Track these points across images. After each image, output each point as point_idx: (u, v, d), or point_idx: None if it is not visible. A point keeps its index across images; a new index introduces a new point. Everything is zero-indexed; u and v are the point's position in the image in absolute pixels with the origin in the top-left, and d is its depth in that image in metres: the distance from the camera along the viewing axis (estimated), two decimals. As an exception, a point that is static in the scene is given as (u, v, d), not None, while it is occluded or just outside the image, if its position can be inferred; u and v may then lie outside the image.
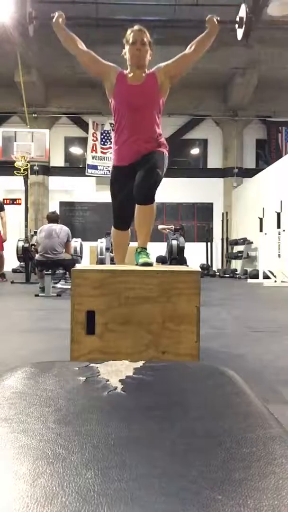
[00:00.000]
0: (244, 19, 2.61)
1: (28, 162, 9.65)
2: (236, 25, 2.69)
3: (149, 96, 2.44)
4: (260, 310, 4.47)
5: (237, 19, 2.67)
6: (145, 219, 2.45)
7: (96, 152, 12.46)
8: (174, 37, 10.80)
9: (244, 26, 2.61)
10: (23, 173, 9.57)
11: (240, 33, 2.69)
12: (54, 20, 2.53)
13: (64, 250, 5.70)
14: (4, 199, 12.88)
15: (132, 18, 9.47)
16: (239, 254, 11.04)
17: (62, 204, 13.18)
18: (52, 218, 6.01)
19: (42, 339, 2.77)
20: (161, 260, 9.01)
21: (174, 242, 8.65)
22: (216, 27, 2.50)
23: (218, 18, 2.50)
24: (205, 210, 13.34)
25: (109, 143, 12.28)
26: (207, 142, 13.59)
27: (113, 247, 2.91)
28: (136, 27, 2.46)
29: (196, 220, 13.32)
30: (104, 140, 12.47)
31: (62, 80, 11.89)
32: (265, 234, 8.80)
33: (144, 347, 1.65)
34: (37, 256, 5.72)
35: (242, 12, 2.66)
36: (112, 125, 12.92)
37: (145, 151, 2.44)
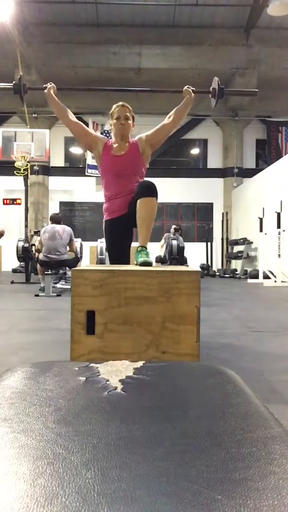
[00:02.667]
0: (217, 91, 2.95)
1: (28, 162, 9.65)
2: (210, 95, 3.03)
3: (132, 164, 2.72)
4: (260, 310, 4.47)
5: (211, 89, 3.01)
6: (147, 215, 2.49)
7: (96, 152, 12.47)
8: (174, 37, 10.81)
9: (216, 96, 2.97)
10: (23, 173, 9.57)
11: (213, 102, 3.04)
12: (46, 91, 2.82)
13: (67, 251, 5.85)
14: (4, 199, 12.91)
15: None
16: (239, 254, 11.04)
17: (62, 204, 13.18)
18: (55, 219, 6.15)
19: (42, 339, 2.77)
20: (160, 260, 9.01)
21: (174, 242, 8.65)
22: (191, 98, 2.84)
23: (194, 89, 2.85)
24: (205, 210, 13.35)
25: (109, 143, 12.29)
26: (207, 142, 13.59)
27: None
28: (120, 103, 2.78)
29: (196, 220, 13.32)
30: (104, 140, 12.47)
31: (62, 80, 11.88)
32: (265, 234, 8.80)
33: (144, 347, 1.65)
34: (40, 256, 5.79)
35: (215, 83, 2.99)
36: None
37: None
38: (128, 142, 2.76)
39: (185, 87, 2.85)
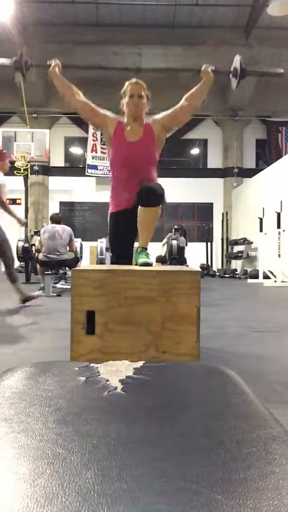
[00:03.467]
0: (239, 70, 2.68)
1: (28, 162, 9.66)
2: (231, 75, 2.76)
3: (146, 153, 2.48)
4: (260, 310, 4.47)
5: (232, 69, 2.76)
6: (149, 220, 2.40)
7: (96, 152, 12.47)
8: (174, 37, 10.81)
9: (238, 76, 2.68)
10: (23, 173, 9.58)
11: (234, 82, 2.77)
12: (50, 68, 2.55)
13: (67, 251, 5.86)
14: (4, 199, 12.90)
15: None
16: (239, 254, 11.05)
17: (62, 204, 13.17)
18: (56, 219, 6.16)
19: (42, 339, 2.77)
20: (160, 260, 9.01)
21: (174, 242, 8.65)
22: (211, 78, 2.55)
23: (213, 68, 2.55)
24: (205, 210, 13.35)
25: (109, 143, 12.30)
26: (207, 142, 13.59)
27: None
28: (133, 80, 2.50)
29: (196, 220, 13.32)
30: (104, 140, 12.48)
31: (62, 80, 11.89)
32: (265, 234, 8.80)
33: (144, 347, 1.65)
34: (40, 256, 5.80)
35: (236, 63, 2.73)
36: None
37: None
38: (142, 126, 2.50)
39: (204, 66, 2.58)
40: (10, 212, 4.33)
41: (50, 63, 2.58)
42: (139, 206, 2.36)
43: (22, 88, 10.26)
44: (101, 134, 12.49)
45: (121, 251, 2.57)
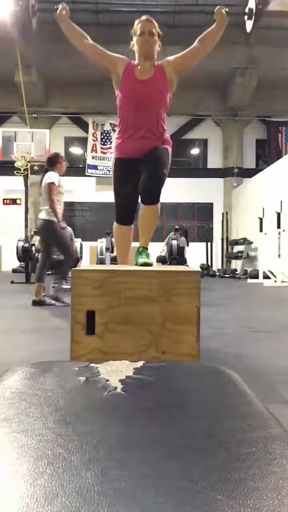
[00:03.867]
0: (254, 10, 2.53)
1: (28, 162, 9.65)
2: (246, 17, 2.62)
3: (157, 93, 2.38)
4: (260, 310, 4.47)
5: (246, 10, 2.61)
6: (149, 219, 2.42)
7: (96, 152, 12.47)
8: (174, 37, 10.81)
9: (253, 17, 2.54)
10: (23, 173, 9.58)
11: (249, 25, 2.61)
12: (57, 12, 2.42)
13: None
14: (4, 199, 12.92)
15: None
16: (239, 254, 11.05)
17: (62, 204, 13.17)
18: None
19: (42, 339, 2.77)
20: (161, 260, 9.00)
21: (174, 242, 8.65)
22: (225, 19, 2.44)
23: (227, 10, 2.44)
24: (205, 210, 13.35)
25: (109, 143, 12.29)
26: (207, 142, 13.59)
27: (115, 244, 2.85)
28: (144, 17, 2.39)
29: (196, 220, 13.32)
30: (104, 140, 12.47)
31: (62, 80, 11.89)
32: (265, 234, 8.80)
33: (144, 347, 1.65)
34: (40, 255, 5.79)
35: (252, 3, 2.60)
36: (112, 125, 12.91)
37: (149, 147, 2.39)
38: (153, 65, 2.39)
39: (217, 8, 2.47)
40: (54, 211, 4.35)
41: (57, 7, 2.46)
42: (141, 206, 2.38)
43: (22, 88, 10.26)
44: (95, 133, 12.52)
45: (125, 203, 2.49)
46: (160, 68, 2.39)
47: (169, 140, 2.53)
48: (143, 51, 2.36)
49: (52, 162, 4.54)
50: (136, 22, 2.40)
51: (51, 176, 4.39)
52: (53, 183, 4.37)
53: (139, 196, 2.42)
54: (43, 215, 4.39)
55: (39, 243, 6.52)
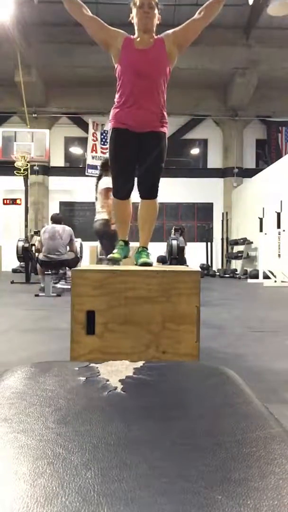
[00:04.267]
0: None
1: (28, 162, 9.65)
2: None
3: (157, 62, 2.36)
4: (260, 310, 4.47)
5: None
6: (148, 215, 2.43)
7: (96, 152, 12.47)
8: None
9: None
10: (23, 173, 9.58)
11: None
12: None
13: (67, 251, 5.86)
14: (4, 199, 12.91)
15: None
16: (239, 254, 11.04)
17: (62, 204, 13.17)
18: (56, 219, 6.18)
19: (42, 339, 2.77)
20: (161, 260, 9.01)
21: (174, 242, 8.65)
22: None
23: None
24: (205, 210, 13.35)
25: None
26: (207, 142, 13.59)
27: (115, 220, 2.81)
28: None
29: (196, 220, 13.32)
30: (104, 140, 12.47)
31: (62, 80, 11.89)
32: (265, 234, 8.80)
33: (144, 347, 1.65)
34: (40, 256, 5.80)
35: None
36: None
37: (148, 123, 2.37)
38: (152, 37, 2.38)
39: None
40: (110, 214, 4.45)
41: None
42: (140, 201, 2.41)
43: (22, 88, 10.27)
44: (95, 133, 12.51)
45: (124, 173, 2.45)
46: (160, 40, 2.37)
47: (166, 119, 2.50)
48: (142, 24, 2.34)
49: (107, 167, 4.67)
50: None
51: (109, 182, 4.53)
52: (111, 188, 4.55)
53: (136, 181, 2.41)
54: (104, 216, 4.51)
55: (38, 243, 6.52)
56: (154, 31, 2.39)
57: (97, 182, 4.68)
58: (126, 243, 2.60)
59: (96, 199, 4.66)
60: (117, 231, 2.76)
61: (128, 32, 2.44)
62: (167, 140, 2.49)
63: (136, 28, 2.39)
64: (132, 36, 2.40)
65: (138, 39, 2.37)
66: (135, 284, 1.67)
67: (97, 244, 9.08)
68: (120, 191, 2.51)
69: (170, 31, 2.40)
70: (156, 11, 2.36)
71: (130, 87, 2.35)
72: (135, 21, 2.38)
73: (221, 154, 13.28)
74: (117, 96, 2.43)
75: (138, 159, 2.40)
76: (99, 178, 4.67)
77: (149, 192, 2.42)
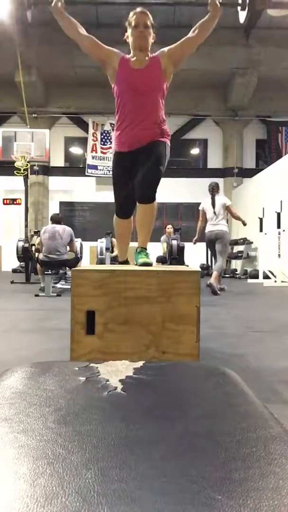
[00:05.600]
0: (247, 0, 2.54)
1: (28, 162, 9.65)
2: (239, 8, 2.61)
3: (153, 80, 2.40)
4: (260, 310, 4.47)
5: (239, 1, 2.60)
6: (146, 218, 2.43)
7: (96, 152, 12.47)
8: (174, 37, 10.81)
9: (247, 8, 2.54)
10: (23, 173, 9.57)
11: (242, 16, 2.63)
12: (52, 4, 2.41)
13: (67, 251, 5.87)
14: (4, 199, 12.91)
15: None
16: (239, 254, 11.04)
17: (62, 204, 13.17)
18: (56, 220, 6.19)
19: (42, 339, 2.77)
20: (161, 260, 9.01)
21: (174, 242, 8.66)
22: (218, 10, 2.46)
23: (221, 0, 2.45)
24: (205, 210, 13.34)
25: (109, 143, 12.28)
26: (207, 142, 13.59)
27: (116, 237, 2.90)
28: (138, 9, 2.41)
29: (196, 220, 13.32)
30: (104, 140, 12.47)
31: (62, 80, 11.90)
32: (265, 234, 8.80)
33: (144, 347, 1.65)
34: (41, 256, 5.80)
35: None
36: (112, 125, 12.92)
37: (147, 139, 2.40)
38: (147, 56, 2.41)
39: None
40: (241, 220, 6.30)
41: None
42: (137, 205, 2.40)
43: (22, 88, 10.26)
44: (95, 132, 12.51)
45: (123, 195, 2.51)
46: (155, 59, 2.41)
47: (168, 131, 2.53)
48: (138, 44, 2.37)
49: (219, 188, 6.36)
50: (131, 13, 2.40)
51: (228, 200, 6.25)
52: (231, 205, 6.22)
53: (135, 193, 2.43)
54: (223, 228, 6.07)
55: (38, 243, 6.52)
56: (149, 50, 2.43)
57: (213, 201, 6.06)
58: (126, 262, 2.73)
59: (214, 213, 6.05)
60: (117, 250, 2.84)
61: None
62: (169, 149, 2.49)
63: (131, 47, 2.42)
64: (127, 56, 2.43)
65: (134, 59, 2.40)
66: (135, 284, 1.67)
67: (97, 244, 9.10)
68: (122, 212, 2.59)
69: (165, 49, 2.45)
70: (151, 30, 2.41)
71: (128, 107, 2.40)
72: (130, 40, 2.42)
73: (221, 154, 13.28)
74: (116, 117, 2.49)
75: (139, 162, 2.41)
76: (213, 196, 6.10)
77: (146, 198, 2.39)
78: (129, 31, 2.42)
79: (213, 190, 6.12)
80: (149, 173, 2.36)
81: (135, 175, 2.41)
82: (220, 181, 13.19)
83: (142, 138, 2.39)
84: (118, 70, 2.41)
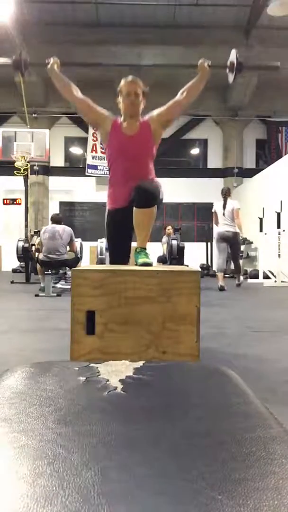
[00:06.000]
0: (235, 64, 2.70)
1: (28, 162, 9.65)
2: (227, 70, 2.77)
3: (143, 146, 2.53)
4: (260, 310, 4.47)
5: (228, 63, 2.75)
6: (144, 221, 2.39)
7: (96, 152, 12.45)
8: (174, 37, 10.81)
9: (234, 70, 2.70)
10: (23, 173, 9.57)
11: (231, 77, 2.79)
12: (49, 66, 2.58)
13: (67, 251, 5.87)
14: (4, 199, 12.91)
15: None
16: (239, 254, 11.04)
17: (62, 204, 13.17)
18: (56, 220, 6.21)
19: (42, 339, 2.77)
20: (161, 260, 9.01)
21: (174, 242, 8.66)
22: (207, 72, 2.59)
23: (209, 63, 2.59)
24: (205, 210, 13.33)
25: (109, 143, 12.28)
26: (207, 142, 13.59)
27: None
28: (129, 78, 2.53)
29: (196, 220, 13.32)
30: (104, 140, 12.46)
31: (62, 80, 11.89)
32: (265, 234, 8.80)
33: (144, 347, 1.65)
34: (40, 256, 5.80)
35: (233, 57, 2.74)
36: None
37: None
38: (139, 121, 2.54)
39: (200, 61, 2.60)
40: (240, 228, 6.72)
41: (49, 61, 2.62)
42: (134, 207, 2.35)
43: (22, 88, 10.25)
44: (95, 132, 12.51)
45: (119, 249, 2.62)
46: (146, 124, 2.54)
47: (160, 183, 2.60)
48: (129, 112, 2.51)
49: (230, 193, 6.89)
50: (122, 81, 2.52)
51: (238, 203, 6.74)
52: (239, 209, 6.70)
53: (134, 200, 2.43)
54: (235, 229, 6.61)
55: (38, 243, 6.52)
56: (140, 115, 2.55)
57: (224, 204, 6.61)
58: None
59: (224, 214, 6.59)
60: None
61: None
62: (161, 186, 2.49)
63: (122, 113, 2.54)
64: (119, 120, 2.56)
65: (125, 124, 2.53)
66: (135, 284, 1.67)
67: (97, 244, 9.10)
68: (117, 262, 2.62)
69: (154, 113, 2.56)
70: (141, 97, 2.52)
71: (120, 169, 2.53)
72: (122, 106, 2.54)
73: (221, 154, 13.28)
74: (109, 174, 2.63)
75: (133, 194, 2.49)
76: (225, 200, 6.61)
77: (144, 202, 2.35)
78: (120, 98, 2.54)
79: (226, 194, 6.71)
80: (147, 182, 2.41)
81: (130, 229, 2.48)
82: (220, 181, 13.21)
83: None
84: (110, 134, 2.54)
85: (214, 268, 7.57)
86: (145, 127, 2.53)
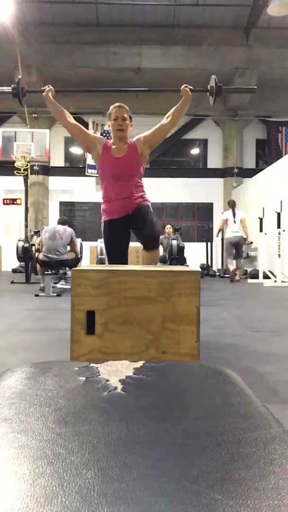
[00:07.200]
0: (214, 88, 2.98)
1: (28, 162, 9.64)
2: (208, 93, 3.05)
3: (131, 167, 2.78)
4: (260, 310, 4.47)
5: (208, 87, 3.03)
6: (154, 258, 2.73)
7: (96, 152, 12.45)
8: (174, 37, 10.81)
9: (214, 94, 2.97)
10: (23, 173, 9.57)
11: (211, 100, 3.06)
12: (44, 94, 2.84)
13: (67, 251, 5.88)
14: (4, 199, 12.91)
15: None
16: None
17: (62, 204, 13.17)
18: (60, 222, 6.34)
19: (42, 339, 2.77)
20: (161, 260, 9.01)
21: (174, 242, 8.66)
22: (190, 96, 2.84)
23: (192, 88, 2.86)
24: (205, 210, 13.34)
25: (109, 143, 12.29)
26: (207, 142, 13.58)
27: None
28: (117, 104, 2.80)
29: (196, 220, 13.31)
30: (104, 140, 12.46)
31: (62, 80, 11.89)
32: (265, 234, 8.80)
33: (144, 347, 1.65)
34: (40, 255, 5.80)
35: (212, 81, 3.02)
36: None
37: (133, 206, 2.77)
38: (127, 144, 2.80)
39: (183, 86, 2.87)
40: (247, 233, 8.41)
41: (44, 88, 2.89)
42: (143, 251, 2.69)
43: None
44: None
45: (117, 257, 2.82)
46: (133, 146, 2.80)
47: (147, 198, 2.92)
48: (117, 135, 2.78)
49: (232, 204, 8.68)
50: (111, 107, 2.81)
51: (243, 213, 8.63)
52: (246, 218, 8.51)
53: (140, 242, 2.76)
54: (242, 234, 8.46)
55: (38, 243, 6.51)
56: (127, 137, 2.83)
57: (233, 212, 8.47)
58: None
59: (235, 222, 8.41)
60: None
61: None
62: (152, 209, 2.87)
63: (112, 135, 2.82)
64: (109, 142, 2.83)
65: (114, 147, 2.79)
66: (135, 284, 1.67)
67: (97, 244, 9.09)
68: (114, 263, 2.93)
69: (141, 136, 2.83)
70: (128, 121, 2.80)
71: (111, 188, 2.79)
72: (111, 130, 2.81)
73: (221, 154, 13.27)
74: (102, 192, 2.90)
75: (134, 230, 2.83)
76: (233, 210, 8.50)
77: (153, 245, 2.72)
78: (109, 122, 2.83)
79: (233, 205, 8.53)
80: (151, 225, 2.70)
81: (127, 237, 2.84)
82: (220, 181, 13.21)
83: (128, 205, 2.76)
84: (101, 156, 2.79)
85: (227, 262, 9.04)
86: (133, 149, 2.79)
